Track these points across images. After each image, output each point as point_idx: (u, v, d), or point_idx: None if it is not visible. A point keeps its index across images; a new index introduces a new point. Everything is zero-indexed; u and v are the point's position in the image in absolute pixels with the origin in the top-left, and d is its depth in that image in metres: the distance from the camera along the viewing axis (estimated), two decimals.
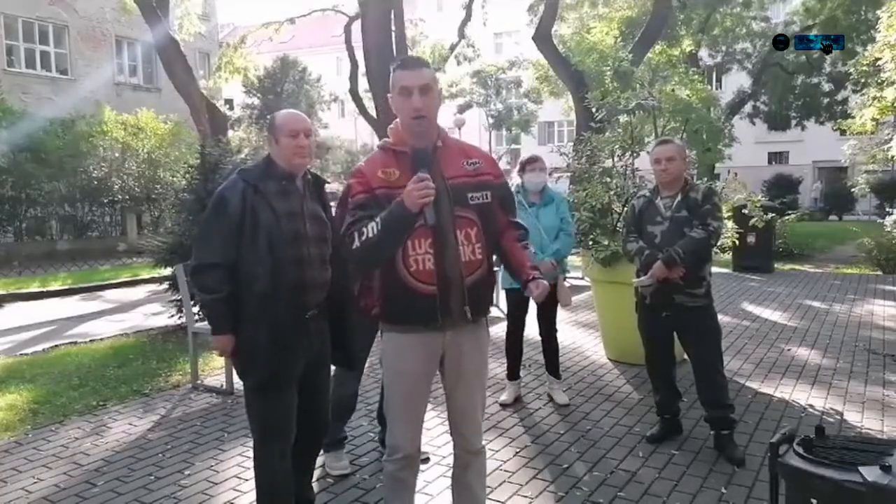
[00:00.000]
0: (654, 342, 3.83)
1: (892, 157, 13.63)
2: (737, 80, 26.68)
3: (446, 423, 3.87)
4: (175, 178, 15.35)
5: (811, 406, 4.39)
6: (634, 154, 5.81)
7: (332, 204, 2.94)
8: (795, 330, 6.55)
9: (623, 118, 6.18)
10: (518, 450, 3.75)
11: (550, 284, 4.38)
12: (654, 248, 3.63)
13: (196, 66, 20.21)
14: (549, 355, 4.66)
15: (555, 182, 7.56)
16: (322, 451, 3.45)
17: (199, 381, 5.06)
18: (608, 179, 5.78)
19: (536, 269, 2.38)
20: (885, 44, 10.41)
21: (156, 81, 22.57)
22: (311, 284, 2.63)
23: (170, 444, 3.94)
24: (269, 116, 3.02)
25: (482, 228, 2.30)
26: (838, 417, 4.17)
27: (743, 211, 8.81)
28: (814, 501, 1.95)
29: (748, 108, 26.09)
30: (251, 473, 3.26)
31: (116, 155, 16.20)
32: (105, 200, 16.02)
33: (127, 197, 16.21)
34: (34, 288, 10.61)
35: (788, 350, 5.81)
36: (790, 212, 12.92)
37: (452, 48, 20.63)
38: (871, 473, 1.86)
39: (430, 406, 2.64)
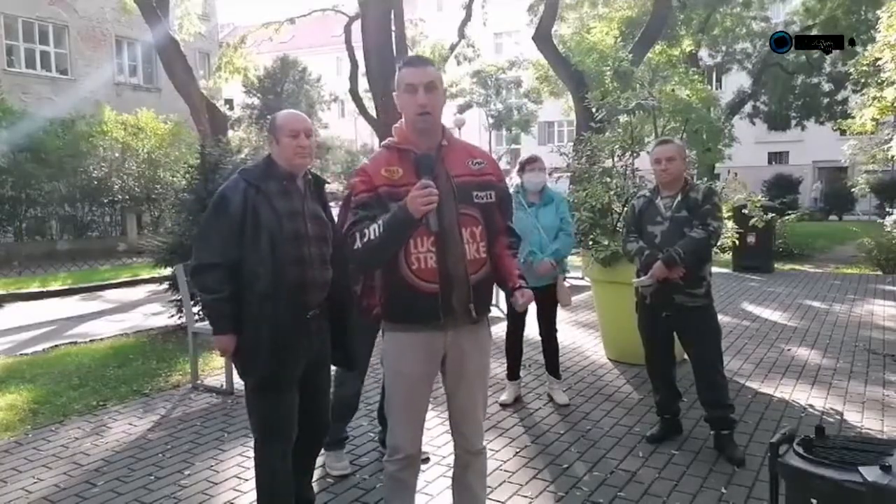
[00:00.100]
0: (654, 342, 3.82)
1: (892, 157, 13.63)
2: (737, 80, 26.70)
3: (446, 423, 3.87)
4: (175, 178, 15.35)
5: (811, 406, 4.39)
6: (634, 154, 5.81)
7: (332, 204, 2.94)
8: (795, 330, 6.56)
9: (623, 118, 6.18)
10: (518, 450, 3.75)
11: (550, 284, 4.45)
12: (655, 248, 3.63)
13: (196, 66, 20.21)
14: (549, 355, 4.66)
15: (555, 182, 7.56)
16: (323, 450, 3.45)
17: (199, 381, 5.06)
18: (608, 179, 5.78)
19: (523, 277, 2.39)
20: (885, 44, 10.40)
21: (156, 81, 22.57)
22: (312, 284, 2.63)
23: (170, 444, 3.94)
24: (269, 116, 3.02)
25: (485, 227, 2.32)
26: (838, 417, 4.17)
27: (743, 211, 8.81)
28: (814, 501, 1.95)
29: (748, 108, 26.10)
30: (251, 473, 3.26)
31: (116, 155, 16.20)
32: (105, 200, 16.02)
33: (127, 197, 16.21)
34: (34, 288, 10.61)
35: (788, 350, 5.81)
36: (790, 212, 12.92)
37: (452, 48, 20.63)
38: (871, 473, 1.86)
39: (430, 406, 2.64)
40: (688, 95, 7.54)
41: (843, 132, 18.05)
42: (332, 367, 2.99)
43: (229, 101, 30.25)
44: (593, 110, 6.96)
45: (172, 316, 6.75)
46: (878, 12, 11.51)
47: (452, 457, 2.56)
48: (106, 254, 14.63)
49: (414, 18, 22.36)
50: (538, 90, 25.06)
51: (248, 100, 31.51)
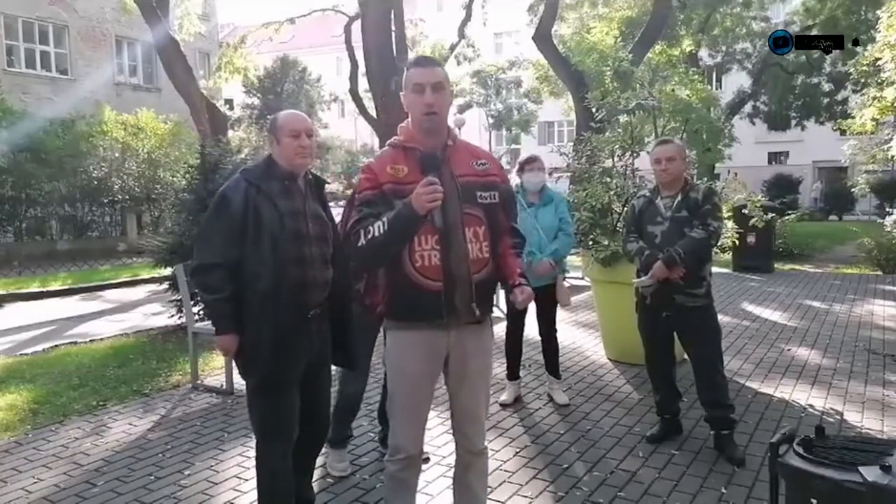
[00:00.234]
0: (654, 342, 3.82)
1: (892, 157, 13.63)
2: (737, 80, 26.70)
3: (447, 422, 3.88)
4: (175, 178, 15.35)
5: (811, 406, 4.39)
6: (634, 154, 5.81)
7: (332, 204, 2.95)
8: (795, 330, 6.55)
9: (623, 118, 6.18)
10: (518, 450, 3.75)
11: (549, 284, 4.45)
12: (655, 248, 3.63)
13: (196, 66, 20.21)
14: (548, 355, 4.66)
15: (555, 182, 7.57)
16: (326, 447, 3.46)
17: (199, 381, 5.06)
18: (608, 179, 5.78)
19: (524, 276, 2.39)
20: (885, 44, 10.40)
21: (156, 81, 22.57)
22: (313, 284, 2.63)
23: (170, 444, 3.94)
24: (269, 117, 3.02)
25: (489, 227, 2.33)
26: (838, 417, 4.17)
27: (743, 211, 8.81)
28: (814, 501, 1.95)
29: (748, 108, 26.10)
30: (251, 473, 3.27)
31: (116, 155, 16.20)
32: (105, 200, 16.02)
33: (127, 197, 16.21)
34: (34, 288, 10.61)
35: (788, 350, 5.81)
36: (790, 212, 12.93)
37: (452, 48, 20.62)
38: (871, 473, 1.86)
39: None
40: (688, 95, 7.54)
41: (843, 132, 18.06)
42: (334, 367, 2.99)
43: (229, 101, 30.25)
44: (593, 110, 6.96)
45: (172, 316, 6.75)
46: (878, 12, 11.51)
47: (452, 457, 2.56)
48: (106, 254, 14.62)
49: (414, 18, 22.36)
50: (538, 90, 25.08)
51: (248, 100, 31.51)
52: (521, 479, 3.38)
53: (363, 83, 14.03)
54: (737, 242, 7.09)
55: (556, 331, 4.67)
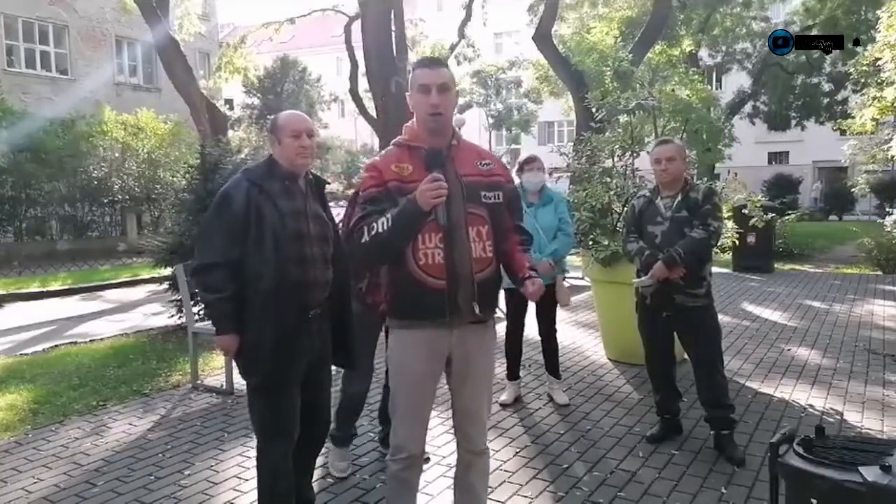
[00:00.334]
0: (655, 342, 3.82)
1: (892, 157, 13.62)
2: (737, 80, 26.70)
3: (447, 422, 3.89)
4: (175, 178, 15.35)
5: (811, 406, 4.39)
6: (634, 154, 5.81)
7: (332, 204, 2.95)
8: (795, 330, 6.56)
9: (623, 118, 6.18)
10: (518, 450, 3.76)
11: (549, 284, 4.44)
12: (655, 248, 3.63)
13: (196, 66, 20.21)
14: (548, 355, 4.66)
15: (555, 182, 7.57)
16: (330, 445, 3.46)
17: (199, 381, 5.06)
18: (608, 179, 5.78)
19: (534, 269, 2.40)
20: (885, 44, 10.40)
21: (156, 81, 22.58)
22: (314, 283, 2.64)
23: (170, 444, 3.94)
24: (269, 117, 3.03)
25: (492, 227, 2.33)
26: (838, 417, 4.17)
27: (743, 211, 8.81)
28: (814, 501, 1.95)
29: (748, 108, 26.10)
30: (251, 473, 3.27)
31: (116, 155, 16.20)
32: (105, 200, 16.02)
33: (127, 197, 16.21)
34: (34, 288, 10.61)
35: (788, 350, 5.81)
36: (790, 212, 12.93)
37: (452, 48, 20.64)
38: (871, 473, 1.86)
39: None
40: (688, 95, 7.54)
41: (843, 132, 18.06)
42: (336, 368, 2.99)
43: (229, 101, 30.26)
44: (593, 110, 6.96)
45: (172, 316, 6.76)
46: (878, 12, 11.51)
47: (453, 457, 2.57)
48: (106, 254, 14.62)
49: (414, 18, 22.37)
50: (538, 90, 25.08)
51: (248, 100, 31.51)
52: (521, 479, 3.38)
53: (363, 83, 14.04)
54: (737, 242, 7.09)
55: (556, 331, 4.67)
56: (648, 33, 14.31)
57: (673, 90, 7.36)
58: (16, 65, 19.62)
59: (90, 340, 6.73)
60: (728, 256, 9.38)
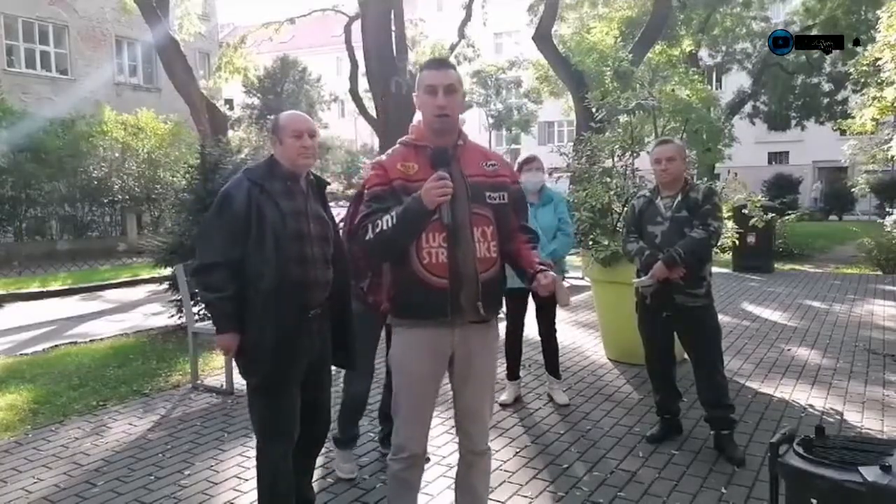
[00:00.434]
0: (654, 342, 3.82)
1: (892, 157, 13.62)
2: (737, 80, 26.70)
3: (447, 422, 3.89)
4: (175, 178, 15.35)
5: (811, 406, 4.39)
6: (634, 154, 5.81)
7: (332, 204, 2.95)
8: (795, 330, 6.56)
9: (623, 118, 6.18)
10: (518, 450, 3.75)
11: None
12: (655, 248, 3.63)
13: (196, 66, 20.21)
14: (548, 355, 4.66)
15: (555, 182, 7.57)
16: (333, 448, 3.45)
17: (199, 381, 5.06)
18: (608, 179, 5.78)
19: (545, 264, 2.40)
20: (885, 44, 10.40)
21: (156, 81, 22.58)
22: (314, 283, 2.64)
23: (170, 444, 3.94)
24: (269, 117, 3.04)
25: (497, 228, 2.34)
26: (838, 417, 4.17)
27: (743, 211, 8.81)
28: (814, 501, 1.96)
29: (748, 108, 26.10)
30: (251, 473, 3.27)
31: (116, 155, 16.20)
32: (105, 200, 16.02)
33: (127, 197, 16.21)
34: (34, 288, 10.61)
35: (788, 350, 5.81)
36: (790, 212, 12.93)
37: (452, 48, 20.63)
38: (871, 473, 1.86)
39: None
40: (688, 95, 7.54)
41: (843, 132, 18.06)
42: (336, 368, 2.99)
43: (229, 101, 30.26)
44: (593, 110, 6.96)
45: (172, 316, 6.76)
46: (878, 12, 11.51)
47: (452, 457, 2.57)
48: (106, 254, 14.62)
49: (414, 18, 22.37)
50: (538, 90, 25.08)
51: (248, 100, 31.52)
52: (521, 479, 3.38)
53: (363, 83, 14.05)
54: (737, 242, 7.09)
55: (555, 331, 4.66)
56: (648, 33, 14.31)
57: (673, 90, 7.36)
58: (16, 65, 19.62)
59: (90, 340, 6.73)
60: (728, 256, 9.38)
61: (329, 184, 3.00)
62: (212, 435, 4.06)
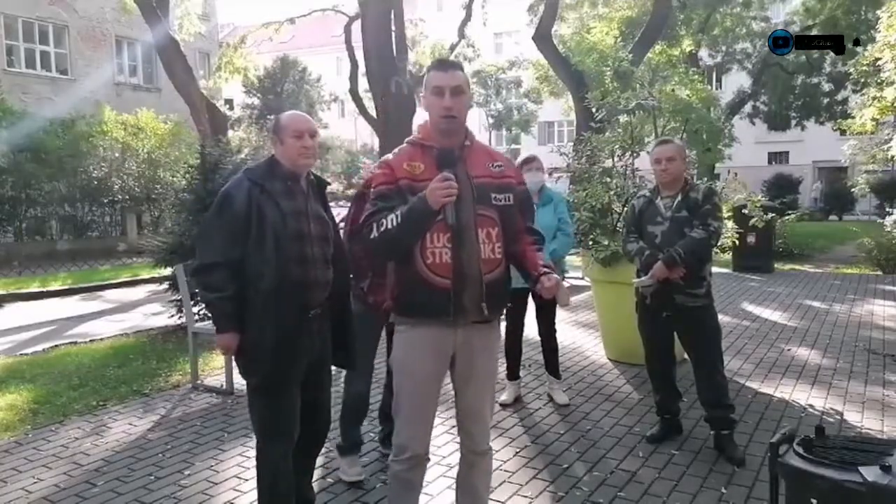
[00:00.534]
0: (655, 342, 3.83)
1: (892, 157, 13.62)
2: (737, 80, 26.70)
3: (447, 422, 3.89)
4: (175, 178, 15.35)
5: (811, 406, 4.39)
6: (634, 154, 5.81)
7: (332, 204, 2.95)
8: (795, 330, 6.55)
9: (623, 118, 6.18)
10: (518, 450, 3.75)
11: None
12: (655, 248, 3.63)
13: (196, 66, 20.21)
14: (548, 355, 4.66)
15: (555, 182, 7.56)
16: (338, 456, 3.43)
17: (199, 381, 5.05)
18: (608, 179, 5.78)
19: (549, 267, 2.40)
20: (885, 44, 10.40)
21: (156, 81, 22.58)
22: (315, 283, 2.64)
23: (170, 444, 3.94)
24: (269, 117, 3.04)
25: (502, 229, 2.33)
26: (838, 417, 4.17)
27: (743, 211, 8.81)
28: (814, 501, 1.95)
29: (748, 108, 26.10)
30: (251, 473, 3.27)
31: (116, 155, 16.20)
32: (105, 200, 16.02)
33: (127, 197, 16.21)
34: (34, 288, 10.61)
35: (788, 350, 5.81)
36: (790, 212, 12.94)
37: (452, 48, 20.61)
38: (871, 473, 1.86)
39: None
40: (688, 95, 7.54)
41: (843, 132, 18.07)
42: (336, 368, 2.99)
43: (229, 101, 30.25)
44: (593, 110, 6.96)
45: (172, 316, 6.75)
46: (878, 12, 11.51)
47: (453, 457, 2.57)
48: (106, 254, 14.62)
49: (414, 18, 22.37)
50: (538, 90, 25.08)
51: (248, 100, 31.51)
52: (521, 479, 3.38)
53: (363, 83, 14.04)
54: (737, 242, 7.09)
55: (555, 331, 4.67)
56: (648, 33, 14.31)
57: (673, 90, 7.36)
58: (16, 65, 19.62)
59: (90, 340, 6.73)
60: (728, 256, 9.38)
61: (329, 184, 3.00)
62: (212, 435, 4.06)
